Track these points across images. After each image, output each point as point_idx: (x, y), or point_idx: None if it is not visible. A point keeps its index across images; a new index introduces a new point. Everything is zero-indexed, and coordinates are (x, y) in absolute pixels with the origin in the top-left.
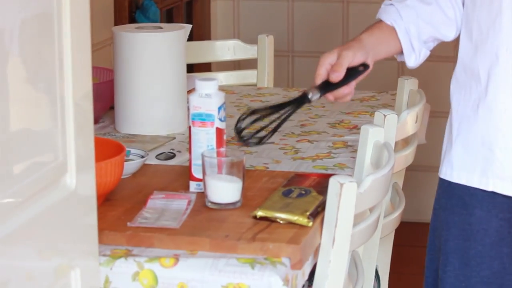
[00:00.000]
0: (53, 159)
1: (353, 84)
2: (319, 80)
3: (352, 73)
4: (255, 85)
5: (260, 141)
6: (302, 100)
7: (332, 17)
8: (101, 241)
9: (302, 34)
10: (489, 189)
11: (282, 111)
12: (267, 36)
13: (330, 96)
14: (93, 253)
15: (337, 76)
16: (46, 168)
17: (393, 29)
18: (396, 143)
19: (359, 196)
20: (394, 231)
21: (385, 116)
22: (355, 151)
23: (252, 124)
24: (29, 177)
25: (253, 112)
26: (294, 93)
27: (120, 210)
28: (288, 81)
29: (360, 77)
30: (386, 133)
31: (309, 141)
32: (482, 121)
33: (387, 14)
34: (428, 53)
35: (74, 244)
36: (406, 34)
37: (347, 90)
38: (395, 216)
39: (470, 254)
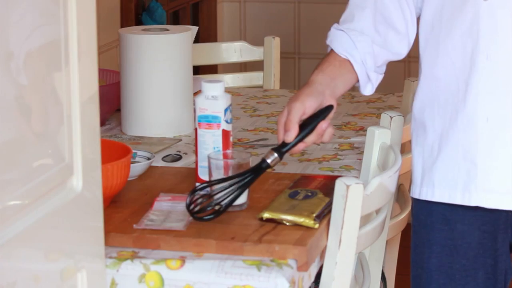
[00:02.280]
0: (59, 161)
1: (322, 126)
2: (280, 141)
3: (314, 119)
4: (262, 87)
5: (217, 215)
6: (260, 166)
7: (338, 18)
8: (107, 243)
9: (309, 36)
10: (472, 204)
11: (241, 181)
12: (274, 38)
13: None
14: (100, 255)
15: (289, 135)
16: (53, 170)
17: (346, 61)
18: (402, 144)
19: (366, 198)
20: (400, 233)
21: (391, 117)
22: (362, 153)
23: (209, 197)
24: (36, 179)
25: (209, 184)
26: None
27: (126, 212)
28: (295, 83)
29: (327, 118)
30: (393, 135)
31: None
32: (462, 133)
33: (339, 44)
34: (381, 77)
35: (80, 246)
36: (363, 66)
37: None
38: (402, 218)
39: (454, 268)
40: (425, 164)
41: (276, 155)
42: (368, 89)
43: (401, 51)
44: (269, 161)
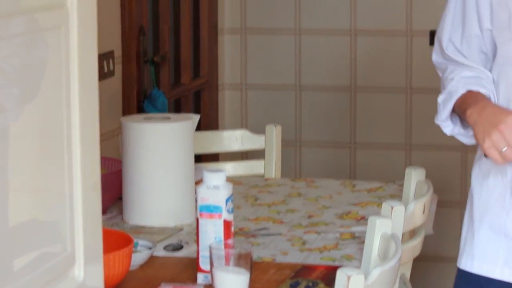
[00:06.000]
0: (61, 250)
1: None
2: None
3: None
4: (263, 175)
5: None
6: None
7: (340, 106)
8: None
9: (310, 124)
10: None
11: None
12: (275, 126)
13: None
14: None
15: None
16: (54, 260)
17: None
18: (403, 234)
19: None
20: None
21: (392, 207)
22: (363, 242)
23: None
24: (37, 269)
25: None
26: (301, 184)
27: None
28: (296, 171)
29: None
30: (394, 225)
31: (316, 232)
32: (506, 212)
33: (479, 86)
34: None
35: None
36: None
37: None
38: None
39: None
40: (467, 233)
41: None
42: None
43: None
44: None
